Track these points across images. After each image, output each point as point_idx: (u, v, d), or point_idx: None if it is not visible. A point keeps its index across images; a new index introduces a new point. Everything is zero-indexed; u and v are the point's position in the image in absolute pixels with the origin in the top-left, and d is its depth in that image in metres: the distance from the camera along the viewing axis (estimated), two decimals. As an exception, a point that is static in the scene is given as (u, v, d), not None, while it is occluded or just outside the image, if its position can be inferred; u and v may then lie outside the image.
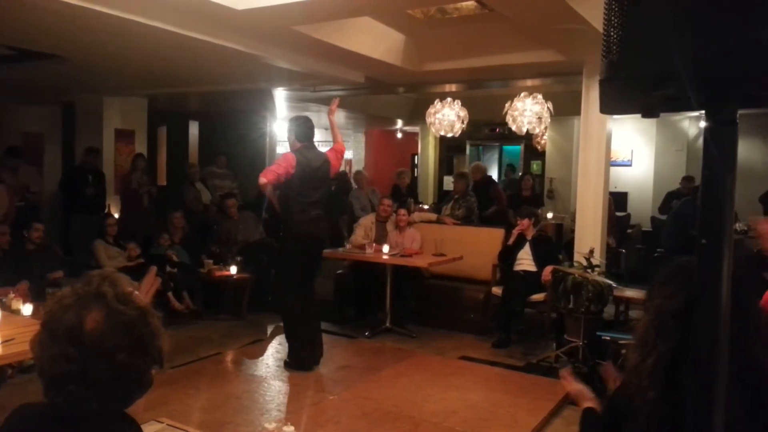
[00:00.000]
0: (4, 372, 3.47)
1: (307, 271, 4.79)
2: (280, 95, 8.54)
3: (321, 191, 4.78)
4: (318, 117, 11.89)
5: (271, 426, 1.99)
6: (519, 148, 12.57)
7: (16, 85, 7.61)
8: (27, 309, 3.84)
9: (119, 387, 1.13)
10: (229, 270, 6.31)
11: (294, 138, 4.75)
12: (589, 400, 1.72)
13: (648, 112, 1.05)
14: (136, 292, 1.20)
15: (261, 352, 5.24)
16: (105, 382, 1.10)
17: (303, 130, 4.77)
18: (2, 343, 2.76)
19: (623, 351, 3.86)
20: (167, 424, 2.15)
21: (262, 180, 4.49)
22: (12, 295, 4.16)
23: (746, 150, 8.91)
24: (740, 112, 0.90)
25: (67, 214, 7.60)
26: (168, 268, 6.02)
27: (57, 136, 9.22)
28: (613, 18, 0.95)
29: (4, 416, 1.26)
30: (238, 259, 6.46)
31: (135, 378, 1.14)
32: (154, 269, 1.57)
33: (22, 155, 7.59)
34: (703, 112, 0.91)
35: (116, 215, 7.24)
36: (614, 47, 0.95)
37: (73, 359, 1.08)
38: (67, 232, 7.53)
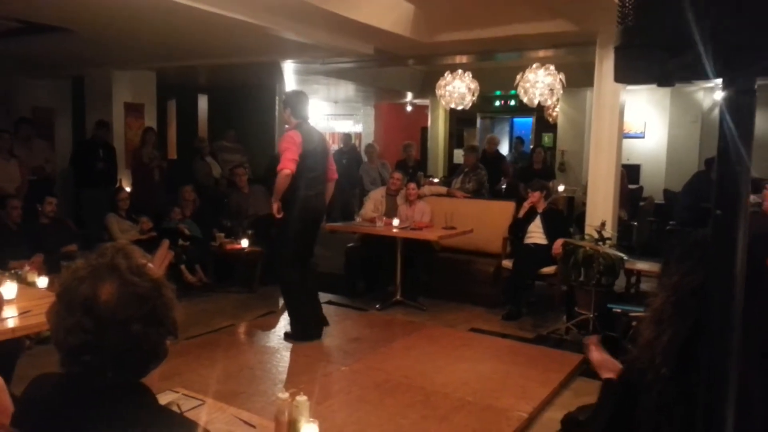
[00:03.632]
0: (22, 343, 3.54)
1: (309, 245, 4.84)
2: (289, 68, 8.48)
3: (322, 166, 4.77)
4: (327, 90, 11.87)
5: (284, 396, 2.02)
6: (530, 120, 12.47)
7: (26, 58, 7.60)
8: (42, 281, 3.90)
9: (134, 357, 1.14)
10: (240, 243, 6.35)
11: (291, 114, 4.71)
12: (611, 371, 1.71)
13: (664, 81, 1.03)
14: (150, 264, 1.21)
15: (273, 324, 5.30)
16: (120, 352, 1.11)
17: (302, 106, 4.73)
18: (19, 315, 2.80)
19: (634, 324, 3.87)
20: (182, 394, 2.18)
21: (287, 171, 4.47)
22: (27, 268, 4.21)
23: (764, 122, 8.77)
24: (758, 81, 0.88)
25: (79, 188, 7.65)
26: (180, 242, 6.07)
27: (67, 110, 9.24)
28: (629, -17, 0.93)
29: (23, 386, 1.29)
30: (249, 232, 6.49)
31: (150, 348, 1.16)
32: (166, 242, 1.57)
33: (33, 126, 7.61)
34: (719, 81, 0.89)
35: (128, 189, 7.28)
36: (630, 13, 0.93)
37: (88, 330, 1.09)
38: (79, 206, 7.59)
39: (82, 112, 8.65)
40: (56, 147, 8.61)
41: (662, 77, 1.01)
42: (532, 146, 10.85)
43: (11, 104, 8.79)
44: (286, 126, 4.92)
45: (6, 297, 2.91)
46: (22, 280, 3.72)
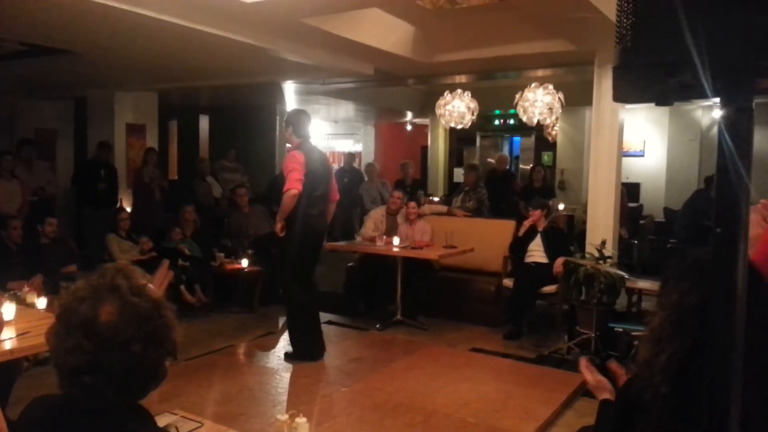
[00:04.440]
0: (20, 365, 3.51)
1: (312, 264, 4.83)
2: (290, 88, 8.54)
3: (325, 186, 4.78)
4: (328, 110, 11.94)
5: (284, 417, 2.00)
6: (518, 139, 12.58)
7: (29, 80, 7.67)
8: (41, 302, 3.88)
9: (134, 378, 1.14)
10: (240, 263, 6.34)
11: (293, 132, 4.72)
12: (607, 391, 1.70)
13: (662, 100, 1.04)
14: (150, 285, 1.21)
15: (273, 344, 5.27)
16: (120, 373, 1.11)
17: (304, 125, 4.75)
18: (18, 336, 2.78)
19: (636, 343, 3.85)
20: (181, 416, 2.17)
21: (294, 192, 4.46)
22: (26, 289, 4.21)
23: (762, 140, 8.81)
24: (756, 100, 0.89)
25: (80, 208, 7.67)
26: (180, 262, 6.05)
27: (69, 131, 9.29)
28: (625, 4, 0.94)
29: (20, 408, 1.28)
30: (249, 252, 6.48)
31: (149, 369, 1.15)
32: (166, 263, 1.57)
33: (34, 147, 7.65)
34: (717, 99, 0.90)
35: (128, 209, 7.29)
36: (627, 34, 0.94)
37: (87, 351, 1.09)
38: (80, 227, 7.59)
39: (85, 133, 8.70)
40: (58, 167, 8.64)
41: (660, 96, 1.02)
42: (531, 165, 10.88)
43: (14, 126, 8.84)
44: (288, 145, 4.94)
45: (4, 318, 2.89)
46: (21, 301, 3.71)
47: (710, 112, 9.49)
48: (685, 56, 0.85)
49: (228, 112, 10.48)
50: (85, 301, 1.12)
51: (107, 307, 1.11)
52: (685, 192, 8.50)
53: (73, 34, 5.11)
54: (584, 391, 4.14)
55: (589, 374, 1.80)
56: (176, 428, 1.95)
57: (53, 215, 5.94)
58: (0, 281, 4.40)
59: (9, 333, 2.76)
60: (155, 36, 4.99)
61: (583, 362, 1.84)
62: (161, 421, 1.94)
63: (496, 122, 12.08)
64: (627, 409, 1.43)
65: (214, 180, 8.55)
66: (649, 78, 0.94)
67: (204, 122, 11.22)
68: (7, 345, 2.67)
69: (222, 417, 3.49)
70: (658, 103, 1.03)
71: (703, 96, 0.89)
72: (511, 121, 11.46)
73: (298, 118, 4.78)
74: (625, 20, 0.94)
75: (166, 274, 1.50)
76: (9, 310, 3.00)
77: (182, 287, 5.87)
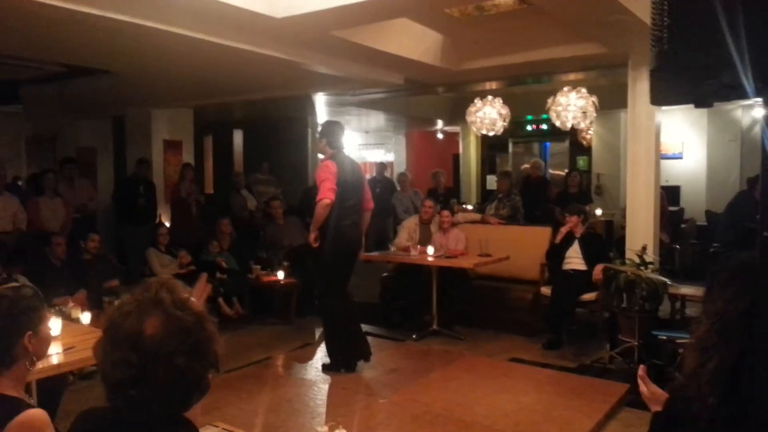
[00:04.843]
0: (66, 379, 3.61)
1: (346, 274, 4.84)
2: (321, 100, 8.63)
3: (357, 195, 4.80)
4: (359, 120, 12.02)
5: (323, 429, 2.00)
6: (547, 144, 12.39)
7: (70, 100, 7.93)
8: (85, 317, 3.98)
9: (178, 391, 1.15)
10: (276, 275, 6.40)
11: (326, 144, 4.76)
12: (660, 404, 1.65)
13: (701, 102, 1.02)
14: (192, 299, 1.23)
15: (310, 355, 5.29)
16: (164, 386, 1.13)
17: (337, 136, 4.79)
18: (64, 351, 2.86)
19: (680, 351, 3.74)
20: (222, 428, 2.19)
21: (327, 201, 4.50)
22: (71, 304, 4.32)
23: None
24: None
25: (120, 224, 7.86)
26: (218, 275, 6.15)
27: (108, 149, 9.56)
28: (661, 5, 0.92)
29: (68, 421, 1.31)
30: (285, 263, 6.54)
31: (193, 382, 1.17)
32: (204, 276, 1.60)
33: (76, 165, 7.88)
34: (759, 99, 0.87)
35: (167, 224, 7.44)
36: (663, 36, 0.92)
37: (133, 364, 1.11)
38: (120, 242, 7.78)
39: (123, 150, 8.94)
40: (98, 185, 8.89)
41: (699, 98, 1.00)
42: (566, 170, 10.73)
43: (56, 145, 9.14)
44: (321, 156, 4.98)
45: (51, 334, 2.97)
46: (66, 317, 3.81)
47: (750, 111, 9.22)
48: (725, 57, 0.83)
49: (261, 126, 10.64)
50: (131, 316, 1.15)
51: (152, 321, 1.14)
52: (726, 194, 8.25)
53: (110, 54, 5.27)
54: (628, 401, 4.04)
55: (644, 385, 1.74)
56: (218, 440, 1.98)
57: (95, 231, 6.10)
58: (45, 297, 4.52)
59: (55, 348, 2.83)
60: (190, 54, 5.11)
61: (640, 372, 1.79)
62: (203, 433, 1.96)
63: (529, 128, 11.96)
64: (675, 422, 1.39)
65: (248, 193, 8.67)
66: (688, 80, 0.93)
67: (238, 136, 11.42)
68: (54, 360, 2.74)
69: (262, 429, 3.51)
70: (697, 105, 1.00)
71: (744, 96, 0.87)
72: (544, 126, 11.34)
73: (332, 129, 4.83)
74: (660, 22, 0.93)
75: (204, 287, 1.53)
76: (55, 325, 3.08)
77: (220, 300, 5.95)
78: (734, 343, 1.24)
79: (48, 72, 6.05)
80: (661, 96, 1.04)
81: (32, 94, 7.00)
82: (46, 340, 2.01)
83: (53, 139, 9.51)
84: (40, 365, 2.30)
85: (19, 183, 9.90)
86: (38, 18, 4.03)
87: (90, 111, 8.75)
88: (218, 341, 1.22)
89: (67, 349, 2.87)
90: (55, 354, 2.78)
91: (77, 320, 3.93)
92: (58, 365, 2.74)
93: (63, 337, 3.04)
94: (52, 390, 3.11)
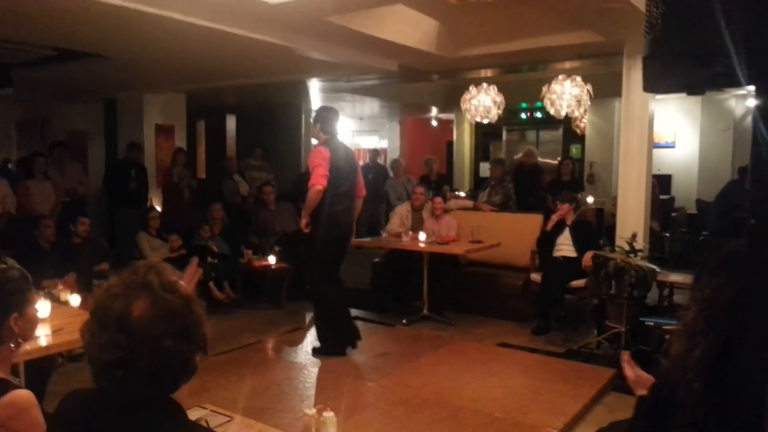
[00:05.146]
0: (54, 361, 3.61)
1: (337, 260, 4.85)
2: (315, 86, 8.58)
3: (350, 182, 4.79)
4: (353, 107, 11.97)
5: (311, 412, 2.02)
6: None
7: (60, 84, 7.84)
8: (75, 300, 3.97)
9: (165, 373, 1.15)
10: (267, 260, 6.40)
11: (320, 129, 4.75)
12: (645, 388, 1.67)
13: (694, 90, 1.02)
14: (181, 282, 1.23)
15: (300, 339, 5.31)
16: (152, 368, 1.13)
17: (331, 122, 4.77)
18: (52, 332, 2.85)
19: (667, 337, 3.78)
20: (210, 410, 2.20)
21: (318, 187, 4.50)
22: (60, 287, 4.31)
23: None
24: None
25: (111, 208, 7.82)
26: (209, 259, 6.14)
27: (100, 133, 9.48)
28: (655, -8, 0.92)
29: (55, 402, 1.31)
30: (276, 249, 6.54)
31: (180, 364, 1.17)
32: (195, 260, 1.60)
33: (67, 149, 7.82)
34: (752, 88, 0.87)
35: (158, 208, 7.41)
36: (657, 23, 0.92)
37: (121, 346, 1.11)
38: (111, 226, 7.75)
39: (115, 134, 8.87)
40: (89, 168, 8.83)
41: (692, 86, 1.00)
42: (558, 159, 10.75)
43: (47, 128, 9.05)
44: (314, 142, 4.97)
45: (39, 315, 2.97)
46: (55, 299, 3.80)
47: (744, 101, 9.26)
48: (719, 45, 0.83)
49: (254, 111, 10.58)
50: (119, 298, 1.15)
51: (140, 304, 1.14)
52: (718, 183, 8.31)
53: (102, 38, 5.20)
54: (614, 386, 4.09)
55: (630, 370, 1.76)
56: (206, 422, 1.98)
57: (85, 215, 6.06)
58: (34, 280, 4.49)
59: (44, 330, 2.83)
60: (183, 38, 5.05)
61: (625, 357, 1.81)
62: (191, 415, 1.97)
63: (523, 116, 11.95)
64: (660, 406, 1.41)
65: (241, 178, 8.64)
66: (681, 67, 0.92)
67: (231, 122, 11.35)
68: (42, 341, 2.73)
69: (251, 411, 3.52)
70: (690, 93, 1.00)
71: (737, 84, 0.87)
72: (538, 114, 11.33)
73: (326, 115, 4.81)
74: (655, 9, 0.93)
75: (195, 271, 1.52)
76: (44, 307, 3.08)
77: (211, 284, 5.95)
78: (721, 330, 1.25)
79: (39, 56, 5.97)
80: (654, 83, 1.03)
81: (24, 77, 6.92)
82: (33, 322, 2.00)
83: (43, 122, 9.42)
84: (27, 347, 2.30)
85: (9, 166, 9.83)
86: (31, 1, 3.97)
87: (81, 95, 8.66)
88: (206, 324, 1.21)
89: (55, 331, 2.86)
90: (43, 336, 2.77)
91: (66, 303, 3.92)
92: (47, 347, 2.74)
93: (52, 319, 3.03)
94: (40, 371, 3.11)
